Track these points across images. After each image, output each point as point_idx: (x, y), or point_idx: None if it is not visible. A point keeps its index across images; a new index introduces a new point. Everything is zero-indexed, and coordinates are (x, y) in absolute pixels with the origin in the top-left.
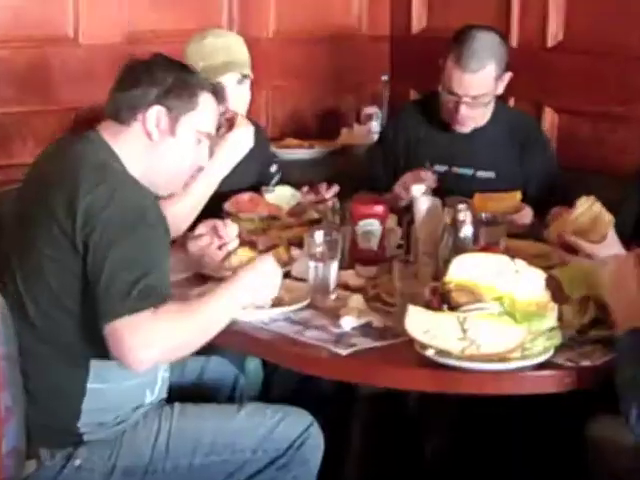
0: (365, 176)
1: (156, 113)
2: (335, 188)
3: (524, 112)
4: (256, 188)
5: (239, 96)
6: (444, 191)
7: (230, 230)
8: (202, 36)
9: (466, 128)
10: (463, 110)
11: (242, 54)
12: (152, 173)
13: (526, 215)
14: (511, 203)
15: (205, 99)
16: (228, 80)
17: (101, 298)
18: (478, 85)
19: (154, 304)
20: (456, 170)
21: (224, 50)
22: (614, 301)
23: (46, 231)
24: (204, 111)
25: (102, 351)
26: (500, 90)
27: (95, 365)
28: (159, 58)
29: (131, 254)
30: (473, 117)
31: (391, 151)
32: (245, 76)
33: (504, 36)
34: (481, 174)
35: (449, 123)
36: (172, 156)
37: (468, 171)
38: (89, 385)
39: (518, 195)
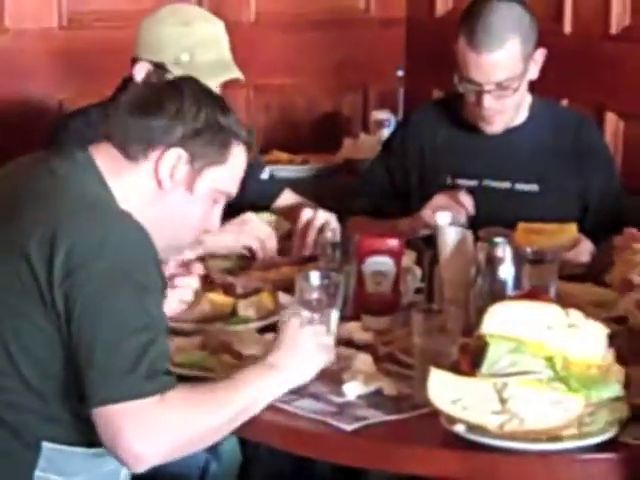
0: (363, 198)
1: (175, 158)
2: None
3: (578, 110)
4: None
5: None
6: (475, 212)
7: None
8: (184, 19)
9: (495, 126)
10: (487, 102)
11: (228, 50)
12: (149, 226)
13: (584, 251)
14: (565, 237)
15: (238, 152)
16: (214, 87)
17: (94, 373)
18: (500, 67)
19: (163, 388)
20: (488, 184)
21: (215, 43)
22: None
23: (9, 271)
24: (232, 168)
25: (58, 432)
26: (534, 74)
27: (48, 449)
28: (193, 84)
29: (133, 317)
30: (502, 110)
31: (399, 165)
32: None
33: (527, 6)
34: (521, 187)
35: (474, 124)
36: (180, 213)
37: (504, 184)
38: (37, 473)
39: (574, 227)
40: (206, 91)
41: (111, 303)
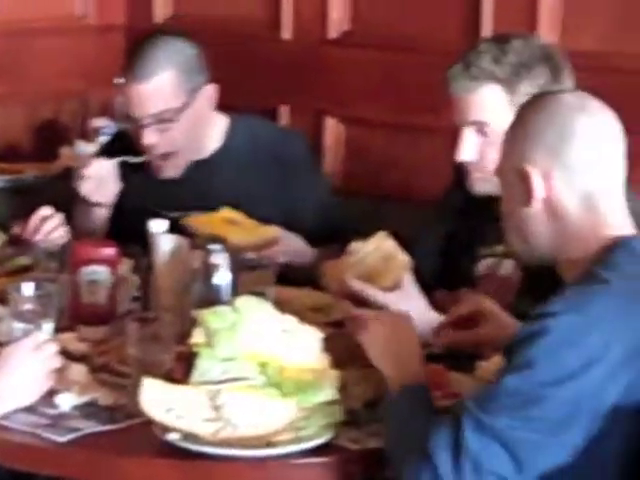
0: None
1: None
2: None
3: (269, 121)
4: None
5: None
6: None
7: None
8: None
9: (169, 170)
10: (147, 138)
11: None
12: None
13: (284, 252)
14: (263, 236)
15: None
16: None
17: None
18: (151, 98)
19: None
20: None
21: None
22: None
23: None
24: None
25: None
26: (204, 107)
27: None
28: None
29: None
30: (167, 146)
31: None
32: None
33: (194, 42)
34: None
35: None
36: None
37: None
38: None
39: (273, 230)
40: None
41: None
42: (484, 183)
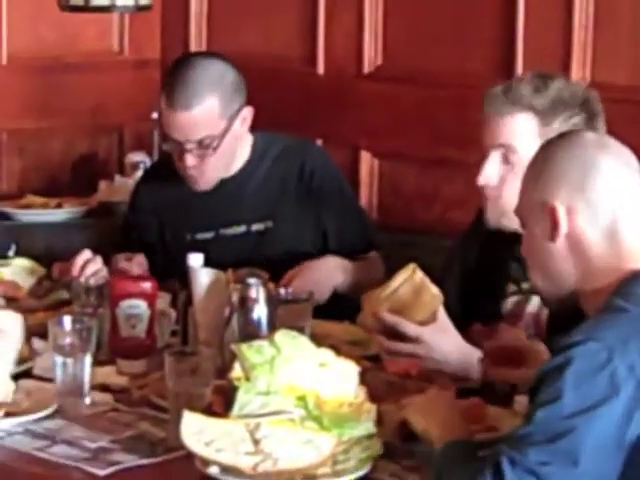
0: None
1: None
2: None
3: (299, 137)
4: None
5: None
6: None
7: None
8: None
9: (204, 184)
10: (189, 161)
11: None
12: None
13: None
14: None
15: None
16: None
17: None
18: (197, 126)
19: None
20: (224, 232)
21: None
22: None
23: None
24: None
25: None
26: (240, 129)
27: None
28: None
29: None
30: (204, 171)
31: (141, 222)
32: None
33: (231, 62)
34: (257, 227)
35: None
36: None
37: (240, 229)
38: None
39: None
40: None
41: None
42: (500, 217)
